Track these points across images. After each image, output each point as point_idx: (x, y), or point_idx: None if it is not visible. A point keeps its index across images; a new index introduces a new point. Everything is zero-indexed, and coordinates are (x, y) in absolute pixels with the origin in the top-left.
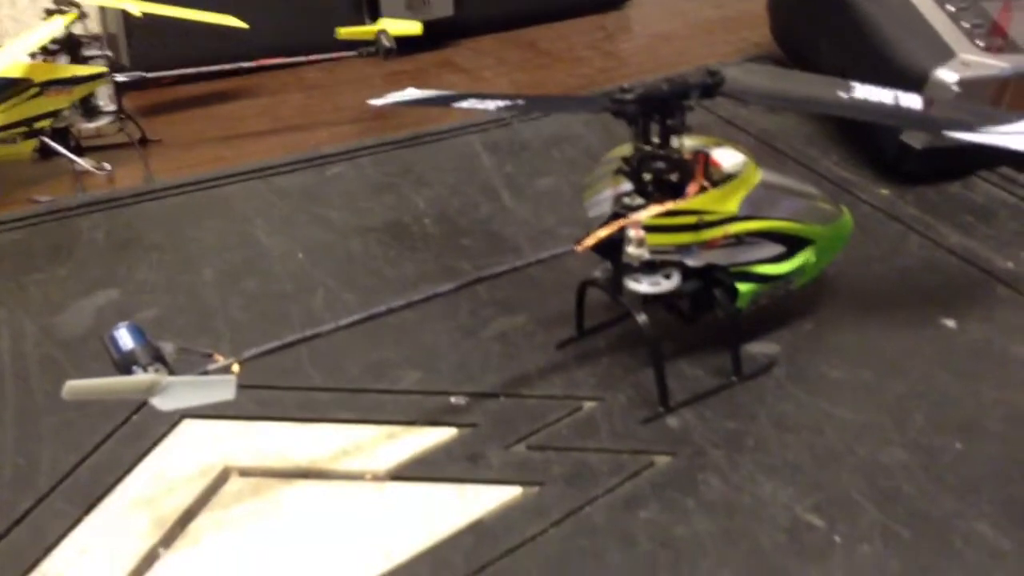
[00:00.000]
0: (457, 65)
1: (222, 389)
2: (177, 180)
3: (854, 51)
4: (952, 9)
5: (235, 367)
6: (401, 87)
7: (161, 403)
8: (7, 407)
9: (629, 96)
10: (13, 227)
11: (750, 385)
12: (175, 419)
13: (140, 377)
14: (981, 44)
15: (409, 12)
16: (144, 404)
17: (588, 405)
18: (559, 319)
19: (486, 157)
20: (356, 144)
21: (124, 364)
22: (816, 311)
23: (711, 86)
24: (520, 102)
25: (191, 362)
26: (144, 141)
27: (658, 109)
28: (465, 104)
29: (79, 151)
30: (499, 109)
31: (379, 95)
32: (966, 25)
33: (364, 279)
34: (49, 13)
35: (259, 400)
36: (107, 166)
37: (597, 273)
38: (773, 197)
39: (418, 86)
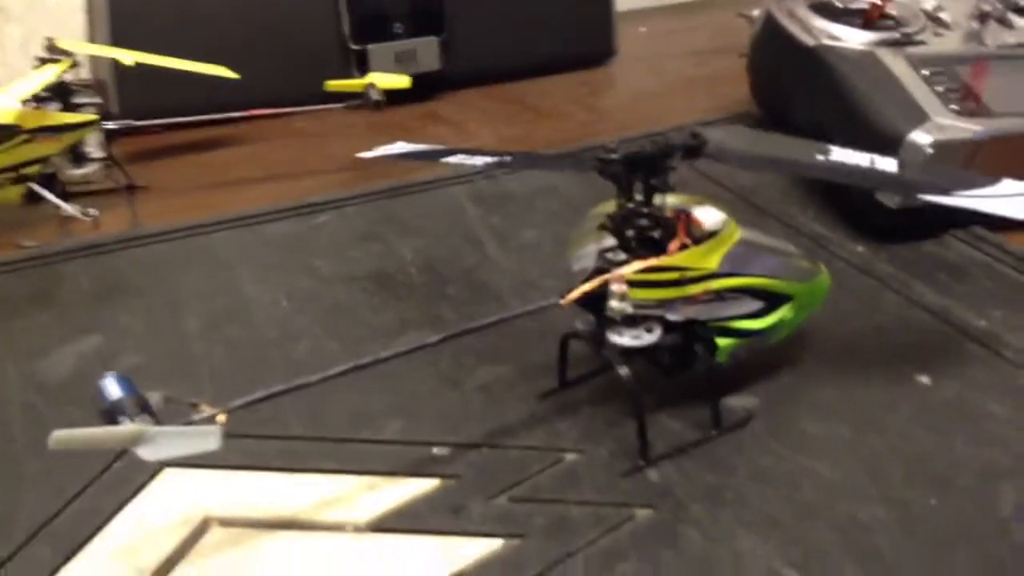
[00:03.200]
0: (443, 118)
1: (207, 440)
2: (163, 227)
3: (830, 111)
4: (927, 73)
5: (221, 418)
6: (388, 138)
7: (146, 453)
8: None
9: (614, 156)
10: None
11: (729, 438)
12: (156, 468)
13: (125, 427)
14: (955, 108)
15: (397, 66)
16: (125, 452)
17: (570, 457)
18: (541, 369)
19: (471, 207)
20: (343, 193)
21: (110, 414)
22: (794, 365)
23: (694, 147)
24: (507, 159)
25: (177, 412)
26: (131, 187)
27: (642, 168)
28: (453, 160)
29: (66, 196)
30: (486, 166)
31: (366, 145)
32: (940, 89)
33: (349, 327)
34: (42, 61)
35: (240, 449)
36: (93, 212)
37: (579, 325)
38: (752, 254)
39: (404, 138)
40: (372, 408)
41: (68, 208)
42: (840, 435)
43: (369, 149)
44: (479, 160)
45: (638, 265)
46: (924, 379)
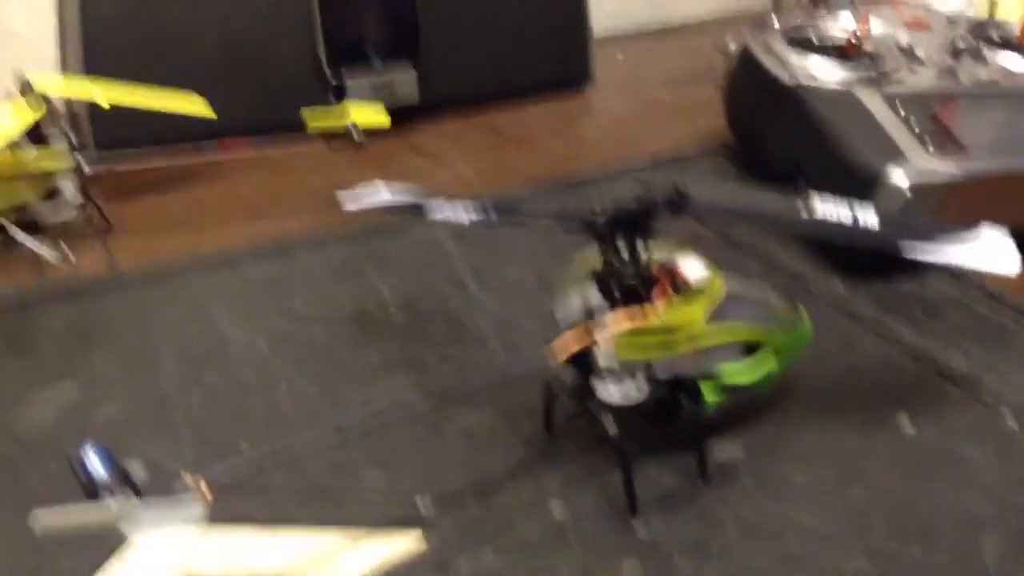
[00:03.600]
0: (422, 149)
1: (190, 513)
2: (139, 269)
3: (807, 151)
4: (903, 113)
5: (207, 493)
6: (368, 171)
7: (130, 529)
8: None
9: (601, 218)
10: None
11: (715, 489)
12: None
13: (109, 505)
14: (932, 149)
15: (374, 93)
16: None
17: (556, 508)
18: (524, 413)
19: (451, 245)
20: (322, 230)
21: (92, 490)
22: (777, 411)
23: (677, 205)
24: (493, 216)
25: (159, 479)
26: (107, 228)
27: (626, 226)
28: (438, 215)
29: (41, 238)
30: (472, 223)
31: (346, 179)
32: (917, 129)
33: (327, 370)
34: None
35: (222, 502)
36: (69, 254)
37: (563, 378)
38: (737, 308)
39: (383, 170)
40: (354, 458)
41: (43, 251)
42: (823, 484)
43: (349, 183)
44: (464, 215)
45: (625, 324)
46: (904, 423)
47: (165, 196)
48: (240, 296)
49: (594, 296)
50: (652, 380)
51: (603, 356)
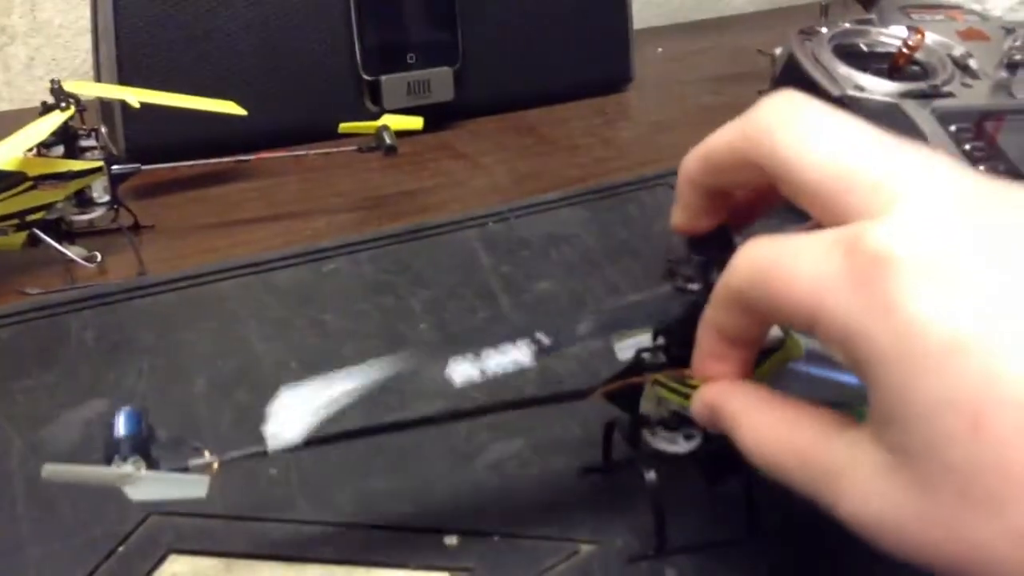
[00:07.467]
0: (456, 149)
1: (194, 488)
2: (169, 275)
3: None
4: (953, 129)
5: (214, 467)
6: (400, 173)
7: (133, 493)
8: None
9: (694, 287)
10: (1, 324)
11: (763, 544)
12: (160, 554)
13: (115, 469)
14: (980, 167)
15: (409, 96)
16: (129, 537)
17: (585, 549)
18: (558, 447)
19: (484, 255)
20: (354, 238)
21: (107, 453)
22: None
23: None
24: (546, 343)
25: (179, 452)
26: (136, 227)
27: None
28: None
29: (71, 239)
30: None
31: (377, 181)
32: (967, 148)
33: None
34: (47, 108)
35: (245, 534)
36: (98, 256)
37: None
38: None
39: (416, 172)
40: (381, 489)
41: (71, 253)
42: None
43: (381, 185)
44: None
45: (676, 375)
46: None
47: (194, 197)
48: (271, 309)
49: (648, 337)
50: (705, 431)
51: (645, 399)
